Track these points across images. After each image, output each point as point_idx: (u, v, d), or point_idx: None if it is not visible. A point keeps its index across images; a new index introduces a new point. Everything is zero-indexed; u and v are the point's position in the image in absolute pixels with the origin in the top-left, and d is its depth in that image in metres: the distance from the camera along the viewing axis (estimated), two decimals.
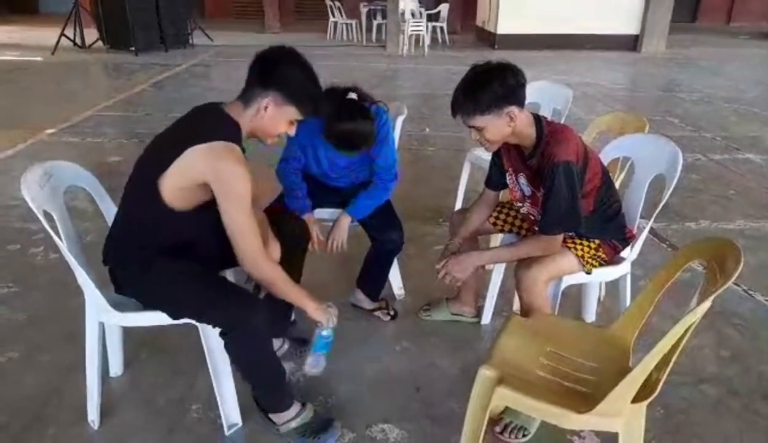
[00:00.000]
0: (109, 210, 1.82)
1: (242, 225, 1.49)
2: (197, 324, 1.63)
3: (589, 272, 1.91)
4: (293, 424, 1.71)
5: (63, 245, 1.55)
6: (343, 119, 1.96)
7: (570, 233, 1.87)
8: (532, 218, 1.98)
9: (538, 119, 1.79)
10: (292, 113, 1.57)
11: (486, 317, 2.35)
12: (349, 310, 2.37)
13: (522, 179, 1.90)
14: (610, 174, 1.96)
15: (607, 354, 1.55)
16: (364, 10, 12.46)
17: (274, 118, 1.56)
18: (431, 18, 11.29)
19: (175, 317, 1.62)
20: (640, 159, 2.12)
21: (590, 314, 2.35)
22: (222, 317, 1.54)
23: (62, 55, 9.33)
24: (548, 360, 1.51)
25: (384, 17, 11.64)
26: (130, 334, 2.00)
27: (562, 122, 2.38)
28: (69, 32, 9.79)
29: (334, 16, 12.46)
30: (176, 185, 1.49)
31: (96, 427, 1.76)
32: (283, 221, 2.00)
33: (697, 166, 4.41)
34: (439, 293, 2.43)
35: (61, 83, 7.36)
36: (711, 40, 13.21)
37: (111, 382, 1.96)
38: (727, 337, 2.28)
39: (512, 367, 1.45)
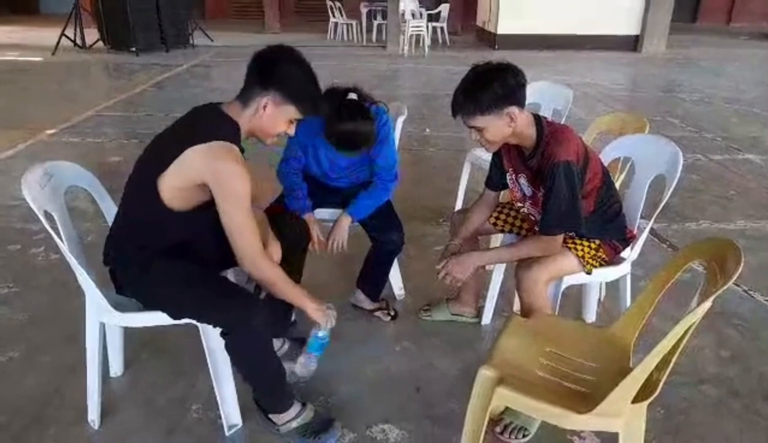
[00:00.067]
0: (110, 210, 1.82)
1: (241, 225, 1.49)
2: (198, 324, 1.63)
3: (589, 273, 1.91)
4: (293, 424, 1.71)
5: (64, 246, 1.55)
6: (344, 120, 1.96)
7: (570, 234, 1.87)
8: (533, 218, 1.98)
9: (538, 120, 1.79)
10: (291, 112, 1.57)
11: (486, 318, 2.35)
12: (349, 310, 2.37)
13: (522, 180, 1.90)
14: (611, 174, 1.96)
15: (608, 354, 1.55)
16: (364, 11, 12.47)
17: (273, 117, 1.56)
18: (431, 18, 11.29)
19: (175, 318, 1.62)
20: (640, 159, 2.12)
21: (590, 315, 2.35)
22: (223, 318, 1.54)
23: (63, 56, 9.34)
24: (548, 361, 1.51)
25: (384, 18, 11.65)
26: (130, 334, 2.00)
27: (562, 122, 2.38)
28: (69, 33, 9.80)
29: (334, 16, 12.46)
30: (175, 185, 1.49)
31: (96, 427, 1.76)
32: (283, 222, 2.00)
33: (698, 166, 4.41)
34: (440, 293, 2.43)
35: (61, 84, 7.37)
36: (711, 41, 13.21)
37: (111, 382, 1.96)
38: (727, 337, 2.28)
39: (512, 367, 1.45)
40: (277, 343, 2.03)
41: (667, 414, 1.86)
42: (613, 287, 2.26)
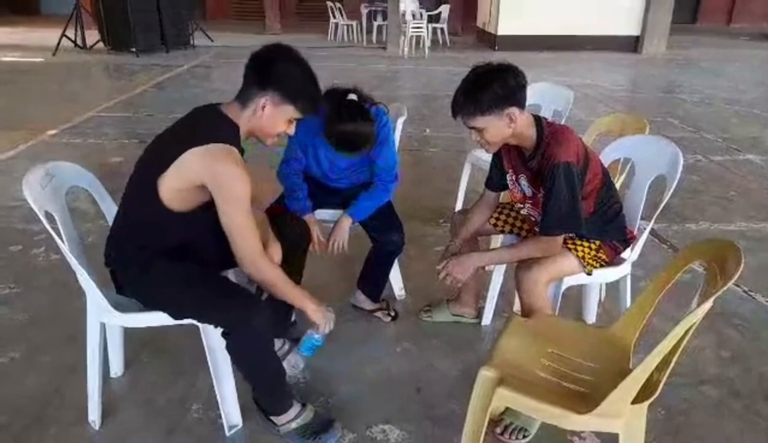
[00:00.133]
0: (111, 211, 1.82)
1: (241, 226, 1.49)
2: (198, 324, 1.63)
3: (589, 273, 1.91)
4: (293, 425, 1.71)
5: (64, 246, 1.55)
6: (344, 120, 1.96)
7: (570, 234, 1.87)
8: (533, 219, 1.98)
9: (538, 120, 1.79)
10: (290, 111, 1.56)
11: (486, 318, 2.35)
12: (349, 311, 2.37)
13: (523, 181, 1.90)
14: (611, 175, 1.96)
15: (608, 354, 1.55)
16: (364, 12, 12.48)
17: (273, 117, 1.55)
18: (432, 19, 11.30)
19: (176, 318, 1.62)
20: (640, 160, 2.12)
21: (591, 315, 2.35)
22: (224, 317, 1.54)
23: (63, 56, 9.35)
24: (549, 361, 1.51)
25: (384, 18, 11.66)
26: (130, 335, 2.00)
27: (562, 123, 2.38)
28: (70, 33, 9.82)
29: (334, 17, 12.47)
30: (175, 186, 1.49)
31: (97, 427, 1.76)
32: (283, 222, 2.01)
33: (698, 167, 4.41)
34: (440, 294, 2.43)
35: (62, 84, 7.37)
36: (711, 42, 13.21)
37: (112, 382, 1.97)
38: (727, 338, 2.28)
39: (513, 368, 1.45)
40: (277, 343, 2.03)
41: (667, 414, 1.86)
42: (613, 287, 2.26)
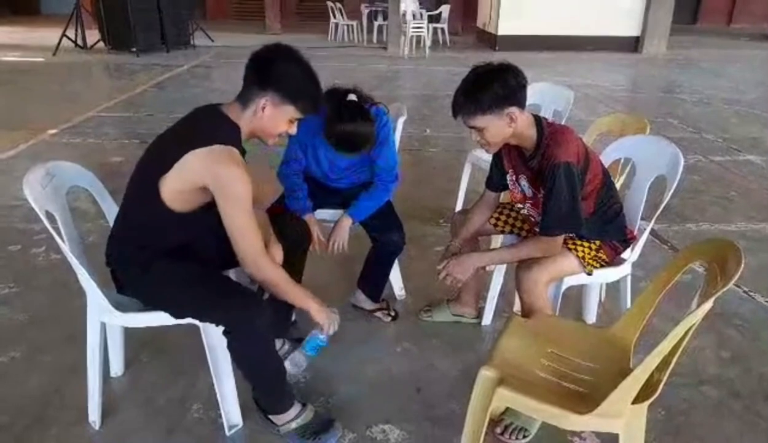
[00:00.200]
0: (111, 211, 1.82)
1: (243, 227, 1.49)
2: (198, 324, 1.63)
3: (589, 274, 1.91)
4: (293, 425, 1.71)
5: (65, 246, 1.55)
6: (344, 121, 1.96)
7: (570, 235, 1.87)
8: (533, 219, 1.98)
9: (538, 120, 1.79)
10: (290, 112, 1.56)
11: (487, 319, 2.35)
12: (349, 311, 2.37)
13: (523, 181, 1.90)
14: (611, 175, 1.96)
15: (608, 355, 1.55)
16: (365, 12, 12.49)
17: (274, 118, 1.55)
18: (432, 19, 11.31)
19: (177, 317, 1.62)
20: (641, 160, 2.12)
21: (591, 316, 2.35)
22: (225, 316, 1.54)
23: (64, 56, 9.35)
24: (549, 361, 1.51)
25: (385, 18, 11.66)
26: (130, 334, 2.00)
27: (562, 123, 2.38)
28: (70, 33, 9.82)
29: (335, 17, 12.47)
30: (176, 188, 1.49)
31: (97, 427, 1.76)
32: (284, 223, 2.01)
33: (698, 167, 4.41)
34: (440, 294, 2.43)
35: (62, 84, 7.38)
36: (712, 42, 13.22)
37: (112, 382, 1.97)
38: (727, 338, 2.28)
39: (513, 368, 1.45)
40: (277, 344, 2.03)
41: (667, 414, 1.86)
42: (613, 288, 2.26)
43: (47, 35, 10.60)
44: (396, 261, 2.38)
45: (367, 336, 2.28)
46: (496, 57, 1.84)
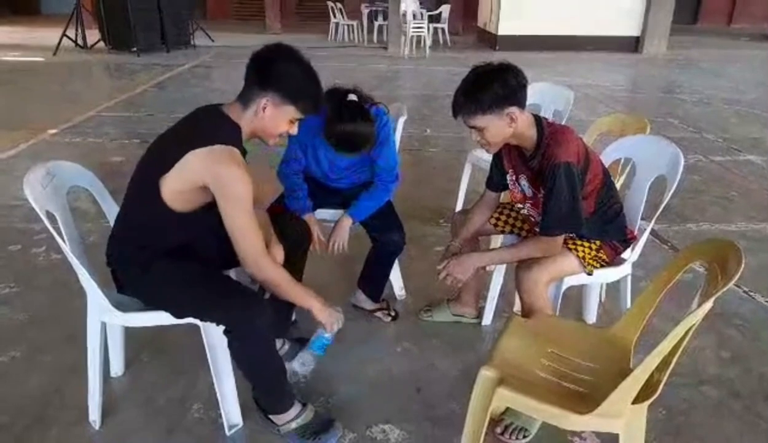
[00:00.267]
0: (111, 211, 1.82)
1: (244, 227, 1.49)
2: (199, 323, 1.63)
3: (590, 274, 1.91)
4: (293, 425, 1.71)
5: (65, 246, 1.55)
6: (344, 121, 1.96)
7: (571, 234, 1.87)
8: (533, 219, 1.98)
9: (538, 120, 1.79)
10: (291, 112, 1.56)
11: (487, 319, 2.35)
12: (350, 311, 2.37)
13: (523, 181, 1.90)
14: (611, 175, 1.96)
15: (608, 355, 1.55)
16: (365, 11, 12.49)
17: (274, 118, 1.55)
18: (432, 19, 11.31)
19: (178, 317, 1.62)
20: (641, 160, 2.12)
21: (591, 316, 2.35)
22: (226, 316, 1.54)
23: (64, 56, 9.35)
24: (549, 361, 1.51)
25: (385, 18, 11.67)
26: (130, 334, 2.00)
27: (563, 123, 2.38)
28: (71, 33, 9.82)
29: (335, 17, 12.47)
30: (177, 188, 1.49)
31: (97, 427, 1.76)
32: (284, 223, 2.00)
33: (699, 167, 4.41)
34: (440, 294, 2.43)
35: (63, 84, 7.38)
36: (712, 42, 13.22)
37: (112, 382, 1.97)
38: (728, 338, 2.28)
39: (513, 368, 1.45)
40: (277, 343, 2.02)
41: (667, 414, 1.86)
42: (613, 288, 2.26)
43: (47, 35, 10.60)
44: (396, 261, 2.38)
45: (367, 336, 2.28)
46: (496, 57, 1.84)
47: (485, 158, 2.80)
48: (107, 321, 1.73)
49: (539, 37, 11.07)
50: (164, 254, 1.58)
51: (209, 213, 1.51)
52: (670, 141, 2.06)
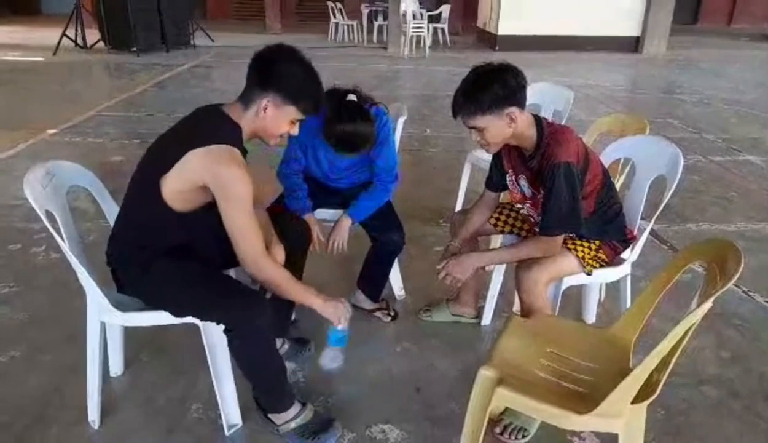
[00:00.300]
0: (111, 210, 1.82)
1: (243, 227, 1.49)
2: (199, 323, 1.63)
3: (589, 274, 1.91)
4: (293, 424, 1.71)
5: (65, 245, 1.55)
6: (343, 121, 1.96)
7: (570, 234, 1.87)
8: (533, 219, 1.98)
9: (538, 121, 1.79)
10: (292, 112, 1.56)
11: (486, 318, 2.35)
12: None
13: (522, 181, 1.90)
14: (611, 175, 1.96)
15: (608, 354, 1.55)
16: (365, 11, 12.49)
17: (275, 118, 1.55)
18: (432, 19, 11.31)
19: (178, 316, 1.62)
20: (640, 160, 2.12)
21: (590, 316, 2.35)
22: (226, 315, 1.54)
23: (64, 56, 9.35)
24: (548, 361, 1.51)
25: (385, 18, 11.67)
26: (130, 334, 2.00)
27: (563, 123, 2.38)
28: (71, 33, 9.82)
29: (335, 17, 12.47)
30: (177, 187, 1.49)
31: (97, 427, 1.76)
32: (284, 223, 2.00)
33: (698, 167, 4.41)
34: (440, 294, 2.43)
35: (62, 84, 7.38)
36: (712, 42, 13.22)
37: (112, 382, 1.97)
38: (727, 338, 2.28)
39: (512, 368, 1.45)
40: (277, 342, 2.02)
41: (667, 414, 1.86)
42: (613, 288, 2.27)
43: (47, 35, 10.60)
44: (396, 261, 2.38)
45: (367, 336, 2.28)
46: (496, 57, 1.84)
47: (485, 158, 2.80)
48: (107, 321, 1.73)
49: (539, 37, 11.08)
50: (164, 254, 1.58)
51: (209, 213, 1.51)
52: (669, 141, 2.06)
